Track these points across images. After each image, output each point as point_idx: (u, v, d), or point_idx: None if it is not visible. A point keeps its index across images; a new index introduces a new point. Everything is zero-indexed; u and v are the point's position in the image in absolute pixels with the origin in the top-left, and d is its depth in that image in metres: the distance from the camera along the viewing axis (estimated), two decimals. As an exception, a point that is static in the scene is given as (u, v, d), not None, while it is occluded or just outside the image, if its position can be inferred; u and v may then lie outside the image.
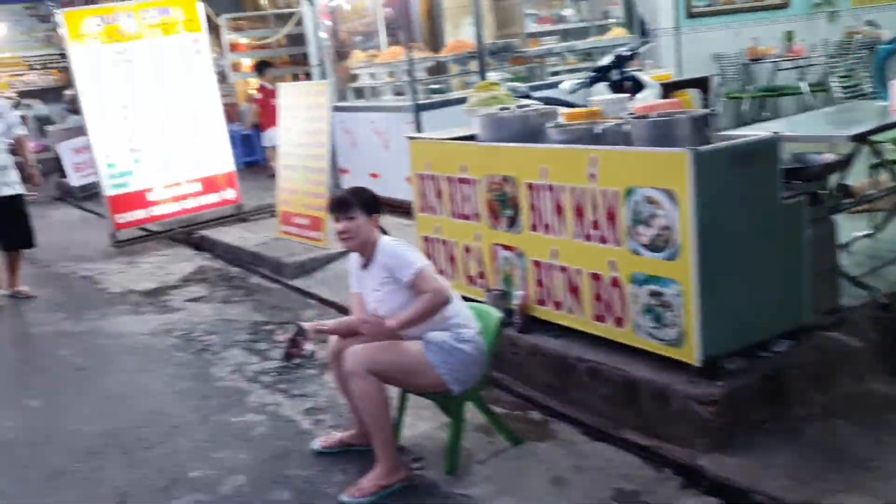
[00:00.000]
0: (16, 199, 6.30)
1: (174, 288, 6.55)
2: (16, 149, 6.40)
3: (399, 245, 3.32)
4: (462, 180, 4.34)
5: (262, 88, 10.01)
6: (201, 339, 5.32)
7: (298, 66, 11.82)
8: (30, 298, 6.49)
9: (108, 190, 7.65)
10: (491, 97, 4.59)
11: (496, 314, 3.48)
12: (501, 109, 4.33)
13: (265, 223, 7.94)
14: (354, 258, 3.49)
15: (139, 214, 7.82)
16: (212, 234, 7.77)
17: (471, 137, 4.40)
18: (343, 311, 5.55)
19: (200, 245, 7.76)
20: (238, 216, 8.19)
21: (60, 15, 7.39)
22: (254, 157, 10.99)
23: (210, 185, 8.05)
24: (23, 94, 15.07)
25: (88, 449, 3.90)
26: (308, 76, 9.06)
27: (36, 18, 15.09)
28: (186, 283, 6.68)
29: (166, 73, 7.74)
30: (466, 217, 4.38)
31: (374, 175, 7.35)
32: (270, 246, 6.99)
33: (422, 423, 3.78)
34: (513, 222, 4.06)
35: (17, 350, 5.47)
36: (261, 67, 10.42)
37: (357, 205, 3.30)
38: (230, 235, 7.59)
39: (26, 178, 6.48)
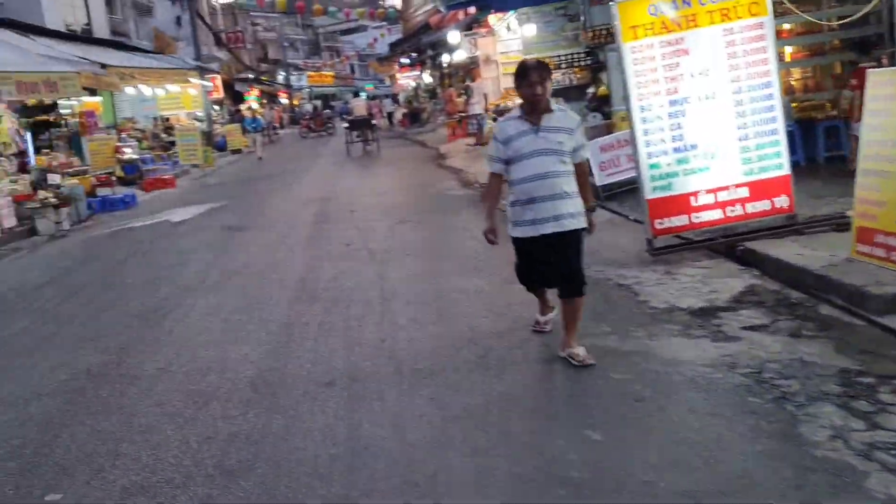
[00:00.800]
0: (579, 234, 5.04)
1: (725, 310, 5.71)
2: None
3: None
4: None
5: (859, 71, 8.54)
6: (776, 384, 4.39)
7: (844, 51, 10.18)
8: (587, 366, 4.91)
9: (649, 193, 7.08)
10: None
11: None
12: None
13: (825, 238, 6.69)
14: None
15: (680, 221, 7.08)
16: (760, 247, 6.76)
17: None
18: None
19: (745, 259, 6.81)
20: (790, 228, 7.03)
21: (615, 7, 7.02)
22: (793, 157, 9.62)
23: (760, 190, 7.00)
24: (547, 94, 15.74)
25: (669, 514, 3.26)
26: (881, 62, 7.46)
27: (566, 18, 15.57)
28: (738, 304, 5.80)
29: (722, 65, 6.86)
30: None
31: None
32: (843, 269, 5.74)
33: None
34: None
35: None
36: (864, 47, 9.00)
37: None
38: (784, 251, 6.49)
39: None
